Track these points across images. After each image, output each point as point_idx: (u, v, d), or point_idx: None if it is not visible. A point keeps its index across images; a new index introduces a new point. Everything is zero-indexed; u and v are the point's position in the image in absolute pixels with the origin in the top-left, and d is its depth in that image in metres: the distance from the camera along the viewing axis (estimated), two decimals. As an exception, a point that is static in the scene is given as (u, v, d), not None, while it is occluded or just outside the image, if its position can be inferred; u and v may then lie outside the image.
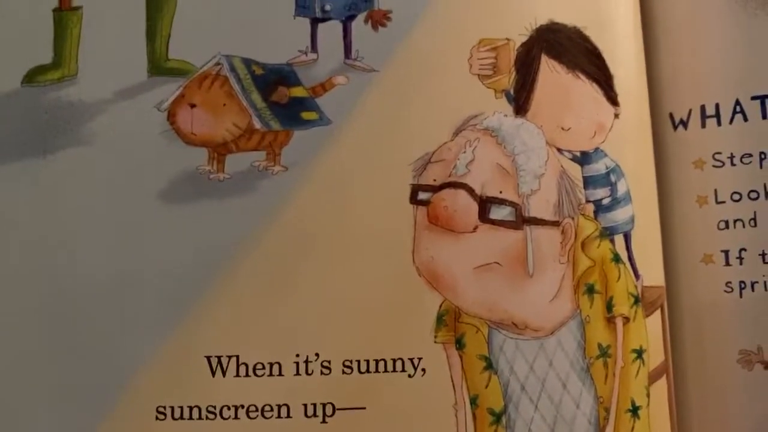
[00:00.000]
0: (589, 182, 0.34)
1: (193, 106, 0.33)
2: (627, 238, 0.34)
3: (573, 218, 0.32)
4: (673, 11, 0.37)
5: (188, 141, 0.32)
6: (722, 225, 0.35)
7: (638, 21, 0.36)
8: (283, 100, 0.33)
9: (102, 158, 0.32)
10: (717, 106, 0.36)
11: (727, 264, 0.35)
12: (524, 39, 0.34)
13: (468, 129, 0.33)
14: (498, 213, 0.31)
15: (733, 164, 0.36)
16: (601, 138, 0.34)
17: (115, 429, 0.30)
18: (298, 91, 0.33)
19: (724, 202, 0.36)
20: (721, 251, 0.35)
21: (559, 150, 0.33)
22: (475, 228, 0.31)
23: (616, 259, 0.33)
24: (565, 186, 0.33)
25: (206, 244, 0.31)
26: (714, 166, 0.36)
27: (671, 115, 0.37)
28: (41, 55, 0.33)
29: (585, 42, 0.34)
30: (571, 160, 0.34)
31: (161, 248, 0.31)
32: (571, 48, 0.34)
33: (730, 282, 0.35)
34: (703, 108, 0.36)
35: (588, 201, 0.33)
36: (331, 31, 0.33)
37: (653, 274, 0.34)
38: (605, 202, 0.34)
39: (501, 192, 0.32)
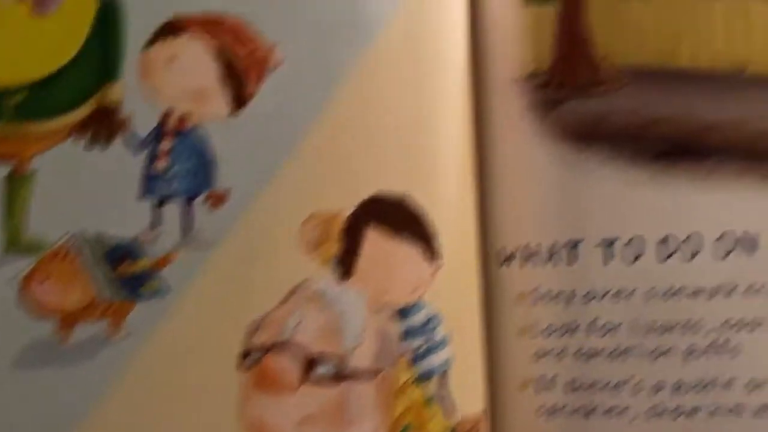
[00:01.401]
0: (407, 334, 0.37)
1: (44, 279, 0.36)
2: (443, 376, 0.38)
3: (390, 368, 0.36)
4: (504, 167, 0.41)
5: (39, 312, 0.35)
6: (539, 355, 0.40)
7: (468, 177, 0.40)
8: (128, 273, 0.36)
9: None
10: (538, 246, 0.40)
11: (541, 390, 0.39)
12: (351, 210, 0.37)
13: (297, 294, 0.36)
14: (322, 369, 0.35)
15: (549, 300, 0.40)
16: (422, 291, 0.38)
17: None
18: (142, 264, 0.36)
19: (539, 335, 0.40)
20: (536, 379, 0.40)
21: (381, 308, 0.37)
22: (300, 384, 0.35)
23: (429, 402, 0.37)
24: (384, 340, 0.36)
25: (53, 408, 0.34)
26: (533, 301, 0.40)
27: (498, 254, 0.41)
28: None
29: (409, 208, 0.38)
30: (391, 315, 0.37)
31: (12, 413, 0.34)
32: (395, 215, 0.37)
33: (542, 406, 0.39)
34: (526, 247, 0.40)
35: (405, 351, 0.37)
36: (173, 210, 0.37)
37: (473, 403, 0.38)
38: (421, 350, 0.37)
39: (325, 350, 0.35)
